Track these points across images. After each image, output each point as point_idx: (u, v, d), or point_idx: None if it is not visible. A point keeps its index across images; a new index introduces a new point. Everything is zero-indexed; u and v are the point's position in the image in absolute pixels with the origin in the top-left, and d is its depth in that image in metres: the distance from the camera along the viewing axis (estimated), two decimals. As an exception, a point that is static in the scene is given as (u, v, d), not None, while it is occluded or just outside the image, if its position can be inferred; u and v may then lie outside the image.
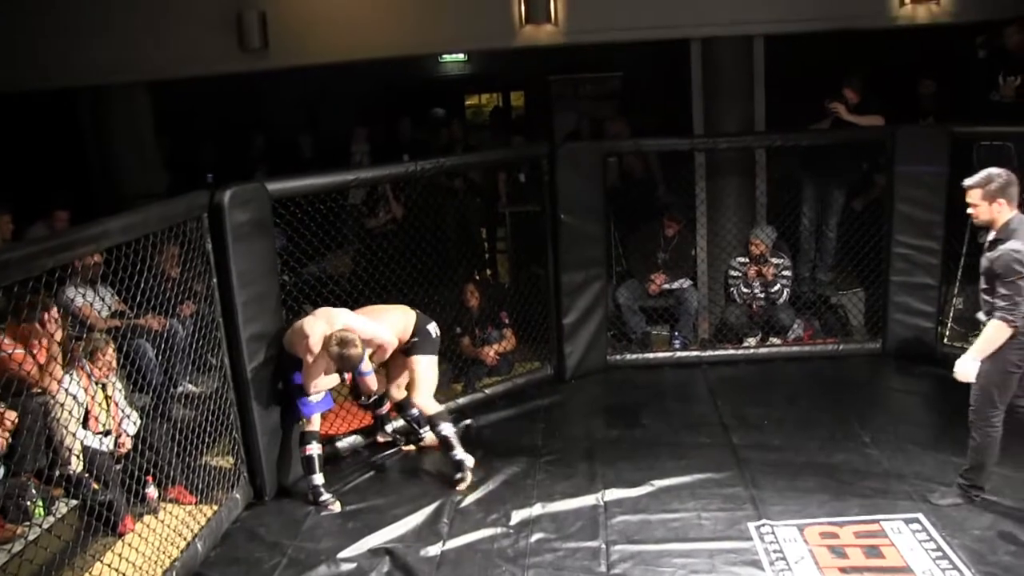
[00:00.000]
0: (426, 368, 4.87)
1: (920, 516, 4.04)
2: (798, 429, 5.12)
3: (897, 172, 5.97)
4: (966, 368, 3.93)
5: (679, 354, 6.43)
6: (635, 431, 5.32)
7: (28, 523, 3.82)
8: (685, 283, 6.63)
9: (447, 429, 4.80)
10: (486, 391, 5.91)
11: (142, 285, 3.99)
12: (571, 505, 4.40)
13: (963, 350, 4.08)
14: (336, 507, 4.57)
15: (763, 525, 4.07)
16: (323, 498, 4.59)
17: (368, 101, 9.87)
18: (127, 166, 7.38)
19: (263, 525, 4.46)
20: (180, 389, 5.01)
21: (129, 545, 3.97)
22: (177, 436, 4.41)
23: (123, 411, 4.49)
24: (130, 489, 4.18)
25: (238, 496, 4.58)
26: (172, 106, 7.84)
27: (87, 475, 4.14)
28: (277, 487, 4.76)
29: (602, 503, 4.40)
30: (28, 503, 3.87)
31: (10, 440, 3.88)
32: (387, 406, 5.22)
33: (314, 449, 4.64)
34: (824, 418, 5.25)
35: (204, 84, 7.30)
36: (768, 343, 6.48)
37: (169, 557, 3.98)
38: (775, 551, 3.86)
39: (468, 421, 5.59)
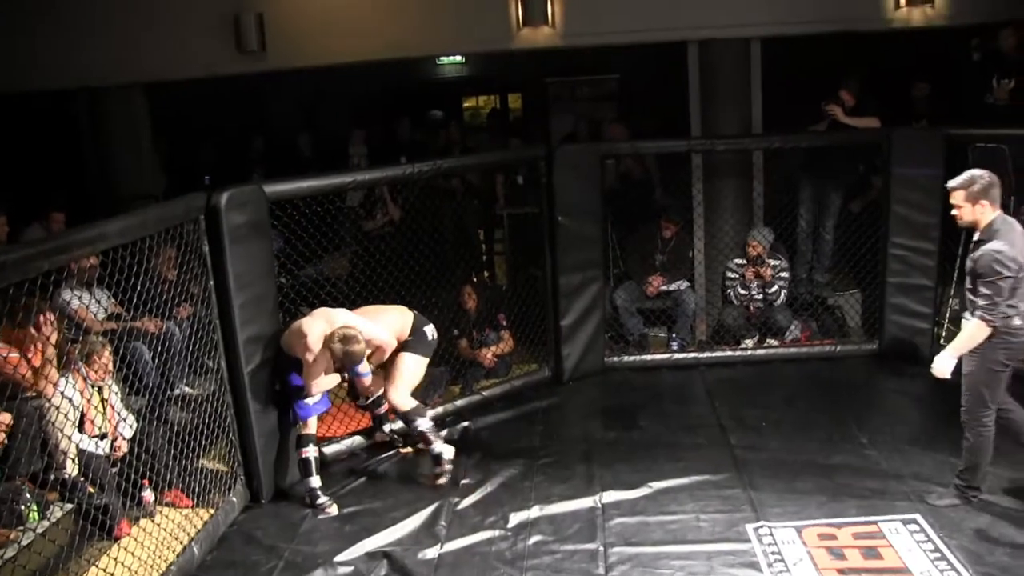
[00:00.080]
0: (411, 366, 4.86)
1: (918, 517, 4.04)
2: (796, 430, 5.12)
3: (893, 174, 5.99)
4: (943, 365, 3.97)
5: (677, 356, 6.43)
6: (633, 433, 5.32)
7: (22, 527, 3.79)
8: (683, 285, 6.63)
9: (423, 424, 4.78)
10: (484, 393, 5.90)
11: (138, 287, 3.97)
12: (569, 507, 4.40)
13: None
14: (333, 510, 4.56)
15: (761, 527, 4.07)
16: (320, 501, 4.58)
17: (366, 103, 9.88)
18: (124, 168, 7.37)
19: (260, 528, 4.45)
20: (177, 392, 5.00)
21: (125, 549, 3.95)
22: (174, 439, 4.39)
23: (119, 414, 4.47)
24: (126, 493, 4.17)
25: (235, 499, 4.57)
26: (169, 108, 7.84)
27: (82, 479, 4.11)
28: (274, 490, 4.75)
29: (600, 505, 4.39)
30: (22, 507, 3.85)
31: (5, 443, 3.86)
32: (385, 406, 5.20)
33: (311, 452, 4.63)
34: (822, 419, 5.25)
35: (202, 86, 7.29)
36: (765, 344, 6.49)
37: (165, 561, 3.96)
38: (773, 553, 3.86)
39: (466, 423, 5.59)
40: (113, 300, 4.91)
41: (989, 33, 6.51)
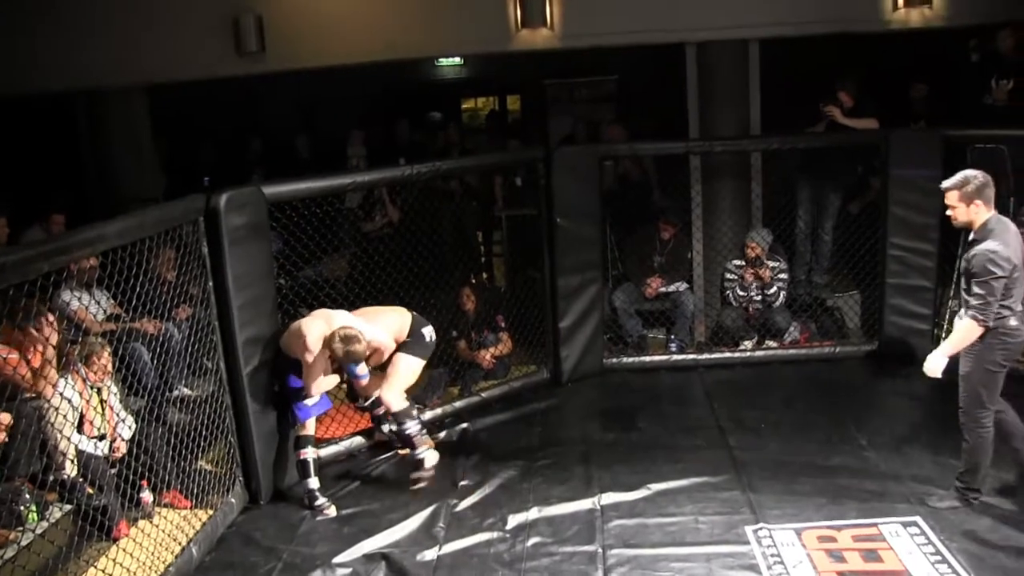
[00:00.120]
0: (406, 367, 4.87)
1: (918, 519, 4.04)
2: (795, 432, 5.12)
3: (891, 175, 6.00)
4: (935, 364, 3.98)
5: (675, 357, 6.43)
6: (631, 435, 5.32)
7: (21, 528, 3.80)
8: (681, 286, 6.63)
9: (412, 426, 4.79)
10: (482, 394, 5.90)
11: (138, 289, 3.98)
12: (567, 509, 4.40)
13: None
14: (332, 511, 4.56)
15: (760, 529, 4.06)
16: (318, 502, 4.58)
17: (364, 105, 9.87)
18: (123, 169, 7.35)
19: (259, 529, 4.45)
20: (175, 393, 5.00)
21: (124, 550, 3.95)
22: (172, 440, 4.39)
23: (118, 415, 4.47)
24: (125, 493, 4.16)
25: (233, 500, 4.57)
26: (169, 109, 7.83)
27: (81, 479, 4.12)
28: (273, 491, 4.75)
29: (598, 507, 4.39)
30: (22, 508, 3.85)
31: (6, 441, 3.87)
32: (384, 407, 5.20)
33: (309, 453, 4.63)
34: (821, 421, 5.25)
35: (201, 87, 7.29)
36: (764, 346, 6.49)
37: (164, 562, 3.96)
38: (772, 555, 3.85)
39: (464, 425, 5.59)
40: (112, 301, 4.92)
41: (987, 34, 6.51)
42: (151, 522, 4.23)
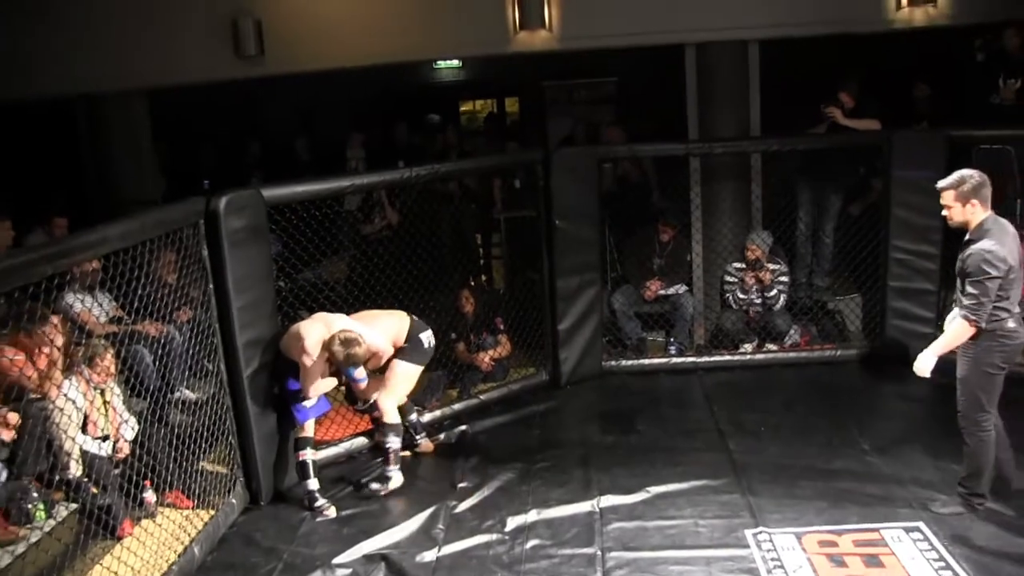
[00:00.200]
0: (404, 375, 4.87)
1: (921, 525, 4.01)
2: (795, 435, 5.11)
3: (894, 177, 5.98)
4: (924, 363, 3.97)
5: (675, 360, 6.43)
6: (631, 437, 5.32)
7: (30, 525, 3.87)
8: (681, 289, 6.63)
9: (394, 443, 4.80)
10: (481, 397, 5.90)
11: (139, 291, 4.00)
12: (566, 511, 4.40)
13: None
14: (331, 512, 4.56)
15: (760, 533, 4.06)
16: (318, 503, 4.59)
17: (363, 107, 9.88)
18: (124, 173, 7.36)
19: (259, 530, 4.46)
20: (177, 395, 5.01)
21: (128, 549, 3.99)
22: (174, 441, 4.41)
23: (121, 416, 4.50)
24: (128, 493, 4.21)
25: (234, 501, 4.58)
26: (168, 113, 7.84)
27: (86, 479, 4.16)
28: (273, 492, 4.76)
29: (598, 510, 4.39)
30: (30, 506, 3.91)
31: (15, 439, 3.91)
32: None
33: (308, 455, 4.64)
34: (821, 424, 5.25)
35: (200, 91, 7.30)
36: (764, 349, 6.48)
37: (167, 561, 3.99)
38: (773, 559, 3.85)
39: (463, 427, 5.59)
40: (115, 303, 4.93)
41: (992, 33, 6.47)
42: (154, 521, 4.28)
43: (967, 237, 3.95)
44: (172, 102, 7.64)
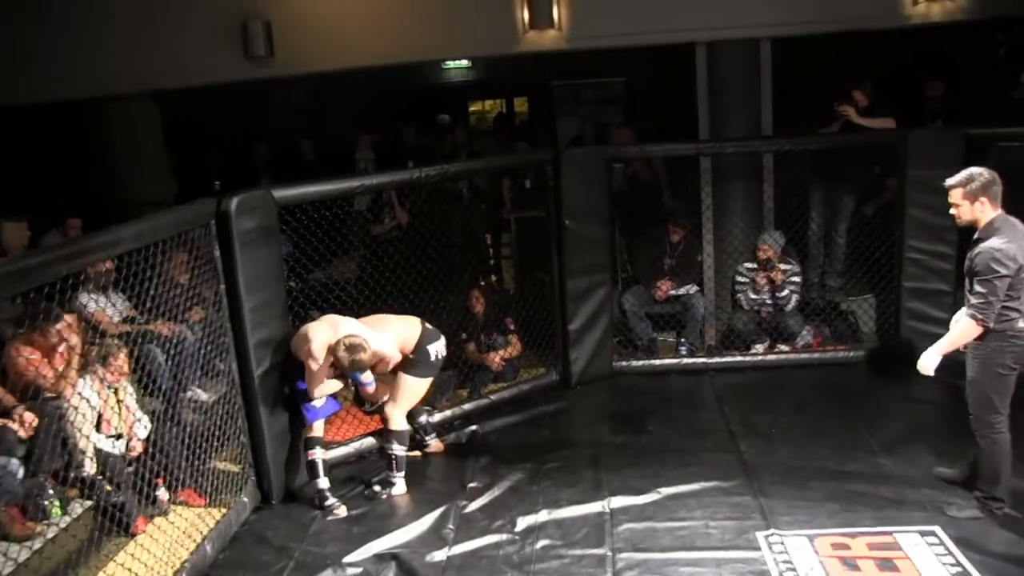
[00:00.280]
0: (409, 388, 4.85)
1: (937, 529, 3.96)
2: (807, 437, 5.08)
3: (909, 176, 5.92)
4: (928, 362, 3.94)
5: (686, 361, 6.41)
6: (641, 438, 5.30)
7: (47, 522, 3.93)
8: (692, 289, 6.61)
9: (398, 450, 4.80)
10: (491, 397, 5.90)
11: (152, 291, 4.02)
12: (577, 512, 4.40)
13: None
14: (342, 511, 4.58)
15: (772, 535, 4.04)
16: (328, 503, 4.60)
17: (372, 108, 9.90)
18: (135, 174, 7.42)
19: (270, 529, 4.48)
20: (189, 394, 5.04)
21: (141, 546, 4.04)
22: (187, 440, 4.44)
23: (135, 415, 4.54)
24: (142, 491, 4.25)
25: (246, 499, 4.61)
26: (178, 115, 7.88)
27: (100, 477, 4.20)
28: (284, 491, 4.78)
29: (608, 510, 4.39)
30: (46, 503, 3.96)
31: (32, 435, 3.96)
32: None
33: (317, 454, 4.66)
34: (834, 426, 5.21)
35: (209, 93, 7.32)
36: (776, 350, 6.45)
37: (179, 559, 4.03)
38: (784, 562, 3.83)
39: (474, 427, 5.59)
40: (128, 303, 4.97)
41: (1014, 27, 6.36)
42: (167, 519, 4.31)
43: (976, 236, 3.91)
44: (182, 104, 7.67)
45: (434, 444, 5.29)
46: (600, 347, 6.23)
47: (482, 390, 5.99)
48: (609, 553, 4.00)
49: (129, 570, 3.84)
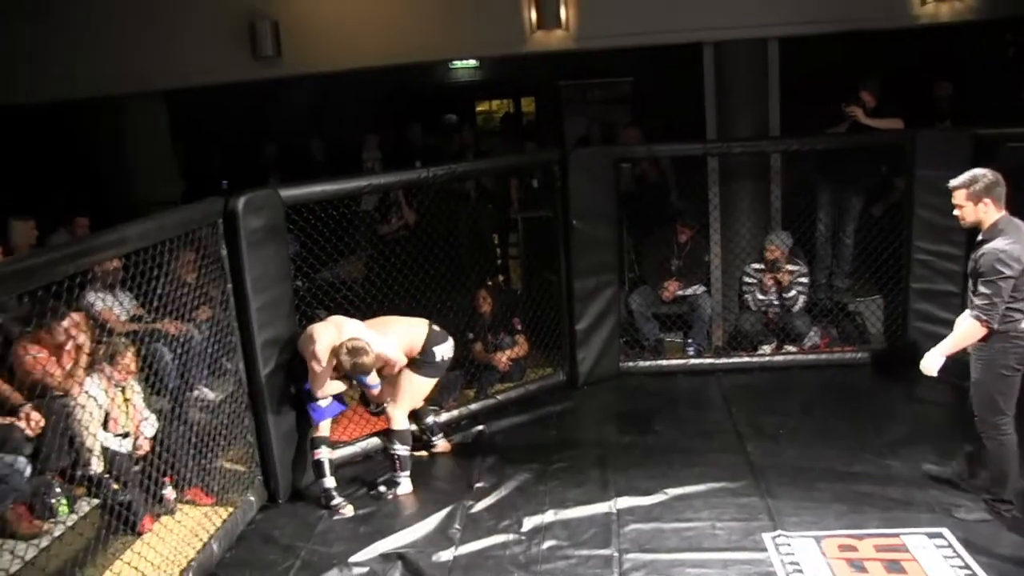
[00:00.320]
0: (413, 387, 4.84)
1: (944, 531, 3.94)
2: (814, 438, 5.06)
3: (917, 177, 5.90)
4: (931, 362, 3.92)
5: (693, 361, 6.40)
6: (648, 438, 5.29)
7: (54, 520, 3.93)
8: (699, 289, 6.60)
9: (402, 451, 4.80)
10: (498, 397, 5.90)
11: (159, 290, 4.03)
12: (583, 512, 4.39)
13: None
14: (348, 511, 4.58)
15: (779, 536, 4.03)
16: (335, 502, 4.61)
17: (379, 108, 9.91)
18: (142, 173, 7.44)
19: (277, 528, 4.49)
20: (196, 393, 5.05)
21: (148, 544, 4.05)
22: (193, 439, 4.45)
23: (141, 414, 4.54)
24: (148, 490, 4.25)
25: (252, 498, 4.62)
26: (186, 115, 7.90)
27: (107, 475, 4.21)
28: (291, 490, 4.79)
29: (615, 511, 4.38)
30: (53, 501, 3.97)
31: (39, 434, 3.96)
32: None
33: (323, 454, 4.66)
34: (841, 427, 5.19)
35: (216, 93, 7.34)
36: (783, 351, 6.43)
37: (186, 557, 4.04)
38: (791, 563, 3.82)
39: (480, 427, 5.59)
40: (135, 302, 4.98)
41: (1021, 28, 6.33)
42: (174, 518, 4.33)
43: (980, 237, 3.91)
44: (189, 104, 7.70)
45: (441, 444, 5.29)
46: (607, 347, 6.22)
47: (489, 390, 5.98)
48: (616, 554, 3.99)
49: (136, 568, 3.86)
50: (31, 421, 3.96)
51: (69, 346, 4.30)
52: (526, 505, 4.51)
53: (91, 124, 7.63)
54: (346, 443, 5.20)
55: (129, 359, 4.38)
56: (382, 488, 4.76)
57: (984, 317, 3.76)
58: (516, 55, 7.28)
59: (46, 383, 4.09)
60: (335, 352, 4.45)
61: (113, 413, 4.37)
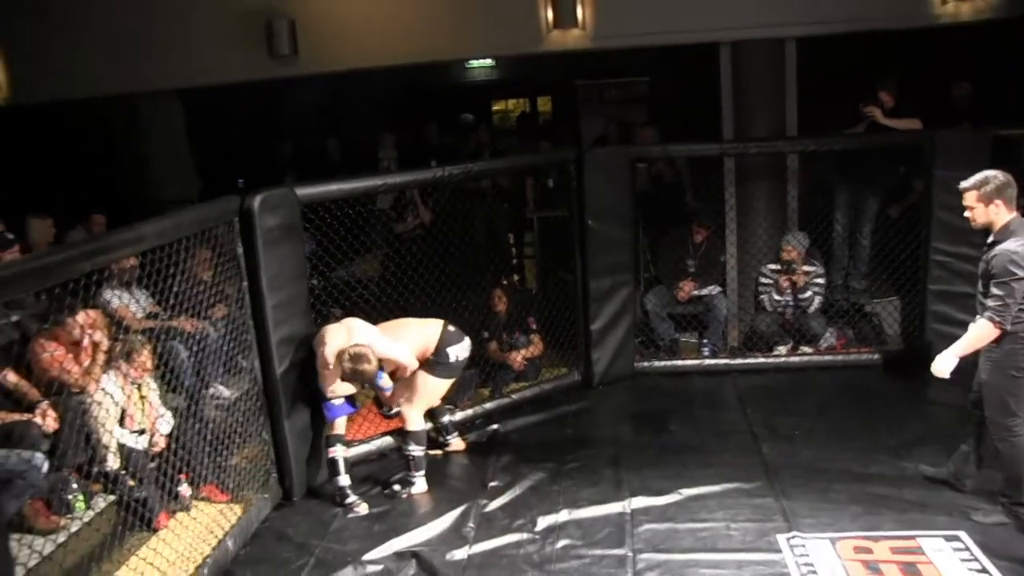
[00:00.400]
0: (427, 388, 4.83)
1: (962, 534, 3.90)
2: (830, 439, 5.03)
3: (936, 178, 5.84)
4: (943, 365, 3.89)
5: (708, 361, 6.37)
6: (663, 438, 5.27)
7: (71, 516, 3.97)
8: (714, 290, 6.57)
9: (416, 451, 4.79)
10: (513, 396, 5.90)
11: (175, 288, 4.06)
12: (597, 512, 4.38)
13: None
14: (363, 509, 4.59)
15: (794, 537, 4.00)
16: (349, 500, 4.62)
17: (395, 107, 9.93)
18: (159, 172, 7.50)
19: (291, 526, 4.51)
20: (211, 391, 5.08)
21: (163, 540, 4.08)
22: (209, 436, 4.47)
23: (157, 411, 4.58)
24: (164, 486, 4.28)
25: (267, 496, 4.64)
26: (202, 114, 7.95)
27: (123, 472, 4.25)
28: (305, 488, 4.81)
29: (629, 511, 4.37)
30: (70, 497, 4.00)
31: (56, 431, 4.00)
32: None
33: (338, 452, 4.67)
34: (857, 429, 5.15)
35: (232, 92, 7.38)
36: (799, 352, 6.39)
37: (201, 554, 4.06)
38: (806, 564, 3.79)
39: (495, 426, 5.59)
40: (151, 300, 5.02)
41: None
42: (189, 514, 4.35)
43: (991, 239, 3.88)
44: (206, 103, 7.74)
45: (455, 443, 5.30)
46: (622, 347, 6.20)
47: (504, 389, 5.98)
48: (629, 554, 3.98)
49: (151, 564, 3.89)
50: (48, 418, 4.00)
51: (86, 343, 4.33)
52: (540, 504, 4.51)
53: (108, 123, 7.69)
54: (361, 441, 5.21)
55: (145, 356, 4.40)
56: (396, 487, 4.77)
57: (997, 319, 3.74)
58: (533, 54, 7.27)
59: (63, 380, 4.13)
60: (339, 357, 4.46)
61: (129, 410, 4.40)
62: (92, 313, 4.44)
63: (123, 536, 4.00)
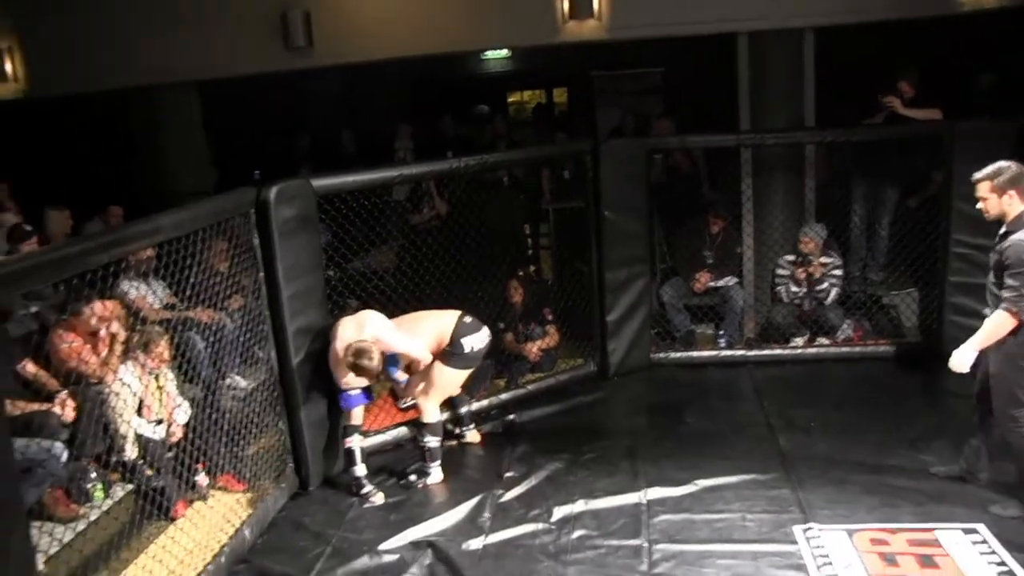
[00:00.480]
0: (445, 378, 4.82)
1: (980, 527, 3.87)
2: (847, 431, 5.00)
3: (956, 169, 5.77)
4: (962, 358, 3.86)
5: (724, 353, 6.35)
6: (679, 430, 5.26)
7: (89, 504, 4.02)
8: (731, 281, 6.53)
9: (433, 442, 4.80)
10: (529, 387, 5.91)
11: (192, 279, 4.08)
12: (613, 503, 4.38)
13: None
14: (379, 499, 4.61)
15: (810, 528, 3.99)
16: (365, 490, 4.64)
17: (411, 98, 9.92)
18: (175, 163, 7.54)
19: (308, 515, 4.54)
20: (228, 381, 5.11)
21: (181, 529, 4.13)
22: (226, 426, 4.50)
23: (175, 401, 4.61)
24: (181, 476, 4.33)
25: (284, 485, 4.67)
26: (219, 105, 7.98)
27: (141, 461, 4.29)
28: (322, 478, 4.83)
29: (645, 501, 4.36)
30: (89, 486, 4.05)
31: (75, 421, 4.04)
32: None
33: (355, 442, 4.69)
34: (874, 420, 5.12)
35: (249, 83, 7.41)
36: (816, 343, 6.35)
37: (218, 542, 4.10)
38: (822, 555, 3.78)
39: (511, 416, 5.60)
40: (168, 291, 5.06)
41: None
42: (206, 504, 4.39)
43: (1004, 229, 3.86)
44: (223, 95, 7.77)
45: (471, 434, 5.31)
46: (638, 338, 6.19)
47: (520, 380, 5.99)
48: (645, 544, 3.98)
49: (169, 553, 3.93)
50: (67, 408, 4.04)
51: (103, 334, 4.37)
52: (556, 495, 4.51)
53: (126, 115, 7.74)
54: (377, 431, 5.23)
55: (163, 347, 4.43)
56: (412, 477, 4.79)
57: (1014, 309, 3.71)
58: (549, 45, 7.24)
59: (81, 371, 4.17)
60: (344, 351, 4.47)
61: (147, 400, 4.43)
62: (110, 304, 4.48)
63: (141, 525, 4.06)
